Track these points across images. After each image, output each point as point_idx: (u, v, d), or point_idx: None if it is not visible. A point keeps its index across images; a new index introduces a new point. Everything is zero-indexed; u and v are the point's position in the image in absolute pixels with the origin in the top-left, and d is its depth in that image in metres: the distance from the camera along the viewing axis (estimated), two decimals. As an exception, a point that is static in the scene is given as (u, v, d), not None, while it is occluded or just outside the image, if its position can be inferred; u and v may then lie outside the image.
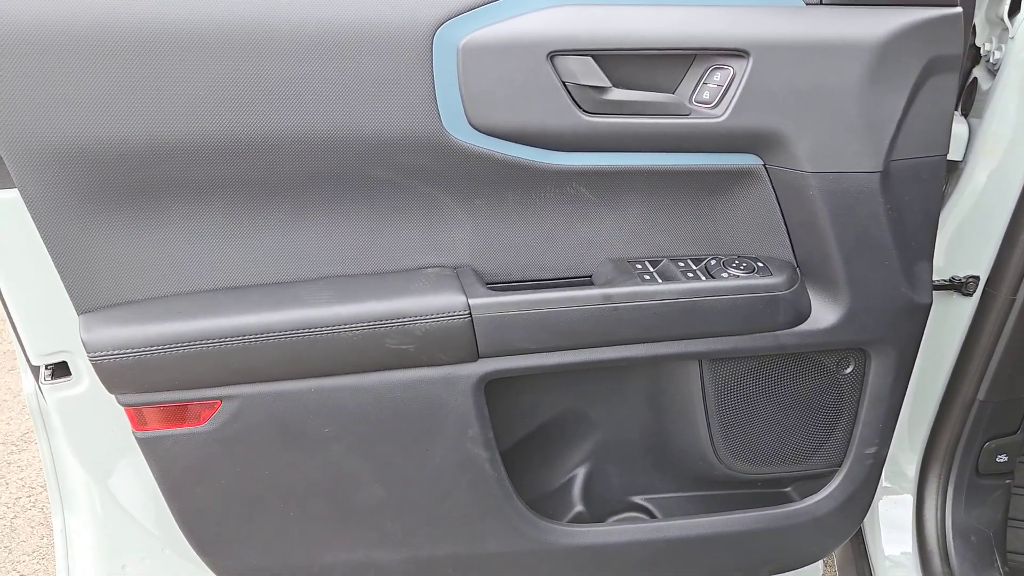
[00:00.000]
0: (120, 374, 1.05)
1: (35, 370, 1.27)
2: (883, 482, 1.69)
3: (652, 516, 1.42)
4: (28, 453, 2.74)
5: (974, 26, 1.37)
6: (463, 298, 1.09)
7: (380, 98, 1.01)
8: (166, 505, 1.19)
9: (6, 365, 3.23)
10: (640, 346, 1.17)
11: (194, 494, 1.17)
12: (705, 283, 1.15)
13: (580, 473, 1.42)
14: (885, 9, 1.05)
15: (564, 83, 1.04)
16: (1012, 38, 1.29)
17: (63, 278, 1.05)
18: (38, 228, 1.02)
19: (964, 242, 1.44)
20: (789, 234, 1.18)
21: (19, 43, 0.92)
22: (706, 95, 1.07)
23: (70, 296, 1.06)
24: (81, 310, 1.07)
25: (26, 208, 1.00)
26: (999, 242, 1.39)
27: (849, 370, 1.27)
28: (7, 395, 3.05)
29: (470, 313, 1.09)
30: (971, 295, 1.45)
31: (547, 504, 1.38)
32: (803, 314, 1.19)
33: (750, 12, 1.05)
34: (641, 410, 1.36)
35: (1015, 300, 1.41)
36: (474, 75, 1.02)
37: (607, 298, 1.12)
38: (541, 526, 1.28)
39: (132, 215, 1.04)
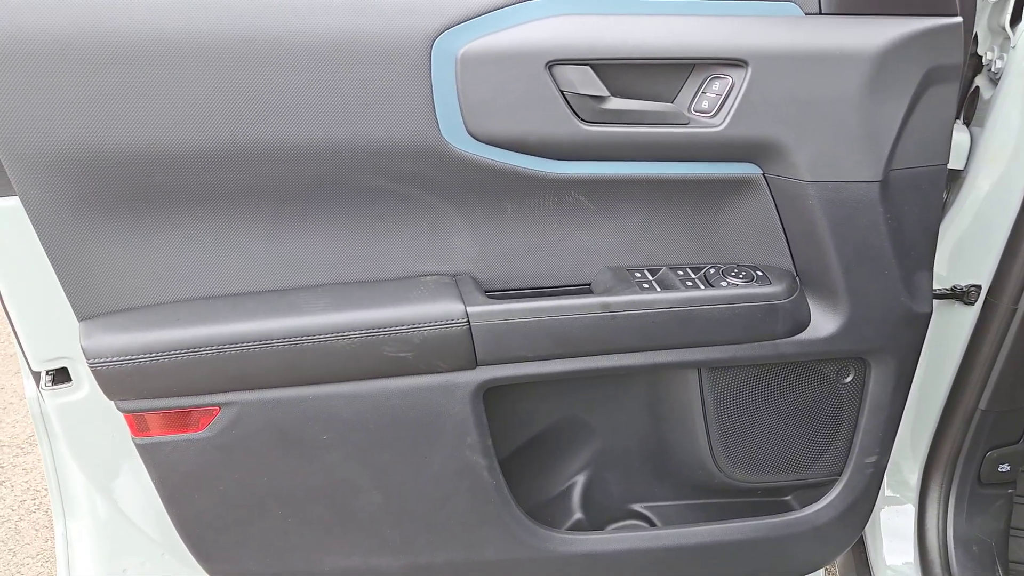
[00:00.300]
0: (119, 380, 1.06)
1: (36, 376, 1.27)
2: (885, 491, 1.69)
3: (651, 524, 1.42)
4: (33, 456, 2.75)
5: (976, 35, 1.37)
6: (461, 306, 1.09)
7: (379, 107, 1.01)
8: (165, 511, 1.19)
9: (12, 368, 3.25)
10: (639, 354, 1.17)
11: (193, 500, 1.17)
12: (704, 292, 1.15)
13: (579, 481, 1.42)
14: (884, 18, 1.05)
15: (562, 92, 1.04)
16: (1014, 47, 1.29)
17: (63, 285, 1.06)
18: (38, 235, 1.02)
19: (966, 251, 1.43)
20: (788, 243, 1.18)
21: (20, 52, 0.92)
22: (705, 104, 1.07)
23: (70, 302, 1.07)
24: (81, 316, 1.08)
25: (27, 215, 1.01)
26: (1001, 251, 1.39)
27: (849, 379, 1.27)
28: (13, 398, 3.06)
29: (468, 321, 1.09)
30: (973, 304, 1.45)
31: (546, 512, 1.38)
32: (802, 323, 1.19)
33: (749, 22, 1.05)
34: (640, 418, 1.36)
35: (1016, 309, 1.40)
36: (473, 84, 1.02)
37: (606, 306, 1.12)
38: (540, 534, 1.28)
39: (132, 222, 1.05)
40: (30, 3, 0.92)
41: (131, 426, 1.11)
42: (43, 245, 1.03)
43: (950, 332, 1.50)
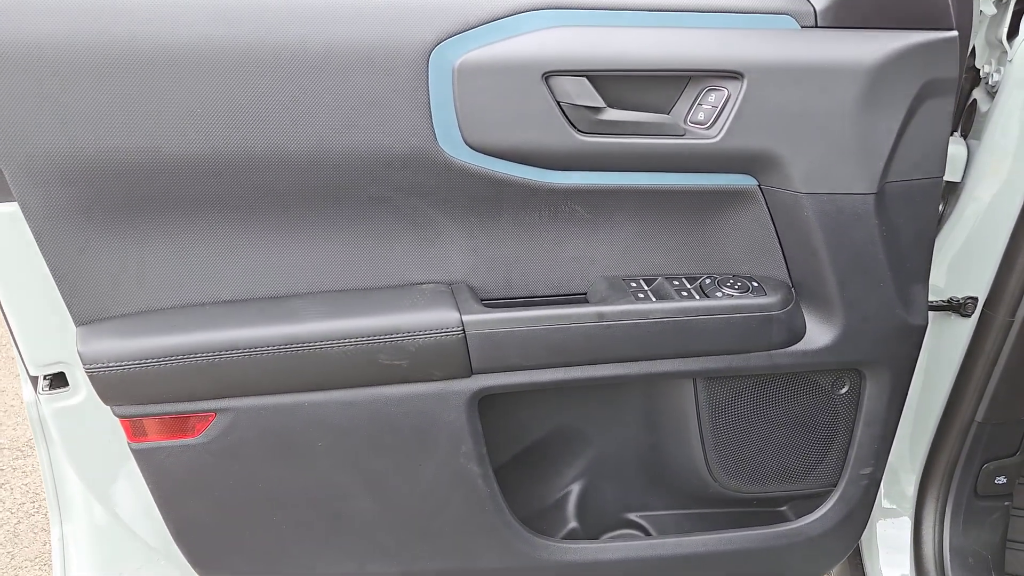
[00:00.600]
0: (115, 386, 1.06)
1: (34, 380, 1.28)
2: (882, 503, 1.68)
3: (647, 533, 1.42)
4: (33, 459, 2.76)
5: (973, 48, 1.38)
6: (456, 314, 1.10)
7: (376, 116, 1.02)
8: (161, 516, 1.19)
9: (13, 371, 3.25)
10: (634, 364, 1.17)
11: (188, 505, 1.18)
12: (699, 302, 1.15)
13: (574, 489, 1.42)
14: (880, 32, 1.06)
15: (559, 103, 1.04)
16: (1011, 60, 1.29)
17: (61, 290, 1.06)
18: (37, 241, 1.03)
19: (963, 263, 1.43)
20: (784, 254, 1.18)
21: (20, 60, 0.93)
22: (701, 116, 1.07)
23: (68, 307, 1.08)
24: (79, 322, 1.08)
25: (26, 221, 1.02)
26: (997, 263, 1.39)
27: (844, 390, 1.27)
28: (14, 401, 3.07)
29: (463, 329, 1.10)
30: (969, 316, 1.45)
31: (541, 520, 1.38)
32: (798, 334, 1.19)
33: (745, 34, 1.06)
34: (635, 427, 1.36)
35: (1013, 321, 1.40)
36: (469, 94, 1.03)
37: (601, 316, 1.13)
38: (534, 542, 1.28)
39: (130, 229, 1.05)
40: (30, 10, 0.92)
41: (127, 431, 1.12)
42: (41, 250, 1.04)
43: (947, 344, 1.50)
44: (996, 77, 1.34)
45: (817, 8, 1.06)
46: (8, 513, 2.50)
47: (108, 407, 1.10)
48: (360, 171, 1.05)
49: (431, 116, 1.03)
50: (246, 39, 0.97)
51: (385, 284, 1.15)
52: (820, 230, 1.12)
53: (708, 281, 1.18)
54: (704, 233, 1.19)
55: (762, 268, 1.20)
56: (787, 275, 1.20)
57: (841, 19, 1.06)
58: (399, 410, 1.14)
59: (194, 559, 1.24)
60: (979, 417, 1.51)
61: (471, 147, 1.06)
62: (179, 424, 1.11)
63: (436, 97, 1.02)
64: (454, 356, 1.11)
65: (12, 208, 1.08)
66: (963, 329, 1.47)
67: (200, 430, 1.12)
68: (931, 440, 1.59)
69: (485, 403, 1.17)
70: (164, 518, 1.19)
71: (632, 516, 1.43)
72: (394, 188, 1.08)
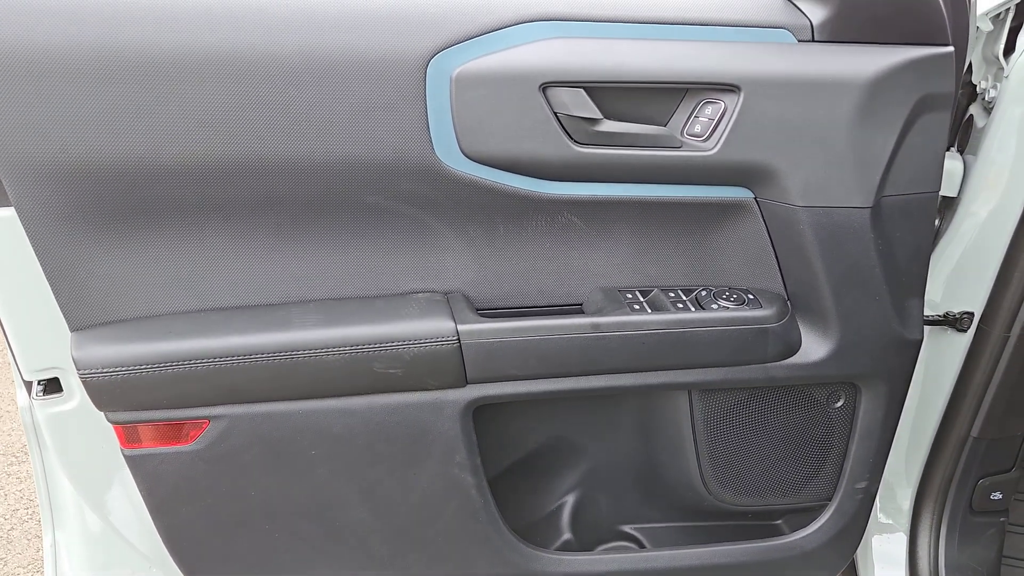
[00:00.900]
0: (109, 392, 1.06)
1: (28, 385, 1.28)
2: (878, 517, 1.68)
3: (641, 546, 1.42)
4: (28, 464, 2.74)
5: (970, 64, 1.38)
6: (452, 324, 1.10)
7: (374, 125, 1.02)
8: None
9: (8, 376, 3.25)
10: (629, 375, 1.17)
11: (180, 513, 1.17)
12: (695, 314, 1.15)
13: (569, 501, 1.41)
14: (877, 47, 1.06)
15: (556, 114, 1.05)
16: (1007, 77, 1.30)
17: (56, 295, 1.06)
18: (33, 246, 1.03)
19: (959, 278, 1.43)
20: (780, 267, 1.18)
21: (18, 65, 0.93)
22: (697, 128, 1.08)
23: (63, 313, 1.07)
24: (74, 327, 1.08)
25: (22, 226, 1.02)
26: (993, 279, 1.39)
27: (839, 404, 1.27)
28: (10, 406, 3.06)
29: (459, 339, 1.10)
30: (965, 331, 1.45)
31: (535, 532, 1.38)
32: (793, 347, 1.19)
33: (742, 48, 1.06)
34: (630, 439, 1.36)
35: (1009, 337, 1.40)
36: (467, 104, 1.03)
37: (596, 327, 1.13)
38: (528, 554, 1.27)
39: (126, 235, 1.05)
40: (28, 17, 0.93)
41: (120, 438, 1.11)
42: (37, 255, 1.03)
43: (943, 359, 1.50)
44: (992, 93, 1.34)
45: (814, 22, 1.06)
46: (2, 519, 2.49)
47: (101, 413, 1.10)
48: (356, 180, 1.05)
49: (428, 126, 1.03)
50: (244, 47, 0.97)
51: (381, 293, 1.15)
52: (816, 243, 1.12)
53: (704, 293, 1.18)
54: (700, 245, 1.19)
55: (758, 281, 1.20)
56: (783, 288, 1.20)
57: (838, 34, 1.06)
58: (393, 419, 1.13)
59: (186, 567, 1.23)
60: (975, 432, 1.51)
61: (468, 157, 1.06)
62: (172, 431, 1.11)
63: (434, 107, 1.03)
64: (449, 365, 1.11)
65: (8, 213, 1.08)
66: (959, 344, 1.47)
67: (193, 437, 1.11)
68: (927, 455, 1.59)
69: (480, 413, 1.17)
70: (156, 525, 1.19)
71: (626, 528, 1.43)
72: (391, 197, 1.08)
